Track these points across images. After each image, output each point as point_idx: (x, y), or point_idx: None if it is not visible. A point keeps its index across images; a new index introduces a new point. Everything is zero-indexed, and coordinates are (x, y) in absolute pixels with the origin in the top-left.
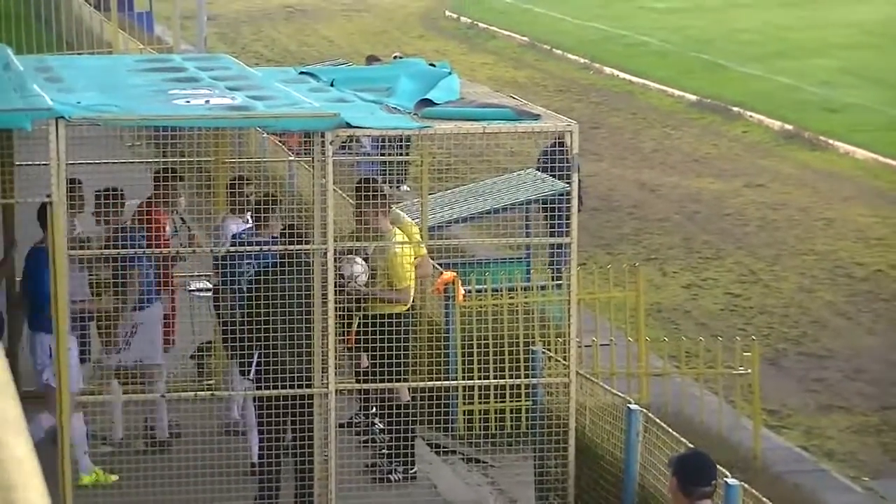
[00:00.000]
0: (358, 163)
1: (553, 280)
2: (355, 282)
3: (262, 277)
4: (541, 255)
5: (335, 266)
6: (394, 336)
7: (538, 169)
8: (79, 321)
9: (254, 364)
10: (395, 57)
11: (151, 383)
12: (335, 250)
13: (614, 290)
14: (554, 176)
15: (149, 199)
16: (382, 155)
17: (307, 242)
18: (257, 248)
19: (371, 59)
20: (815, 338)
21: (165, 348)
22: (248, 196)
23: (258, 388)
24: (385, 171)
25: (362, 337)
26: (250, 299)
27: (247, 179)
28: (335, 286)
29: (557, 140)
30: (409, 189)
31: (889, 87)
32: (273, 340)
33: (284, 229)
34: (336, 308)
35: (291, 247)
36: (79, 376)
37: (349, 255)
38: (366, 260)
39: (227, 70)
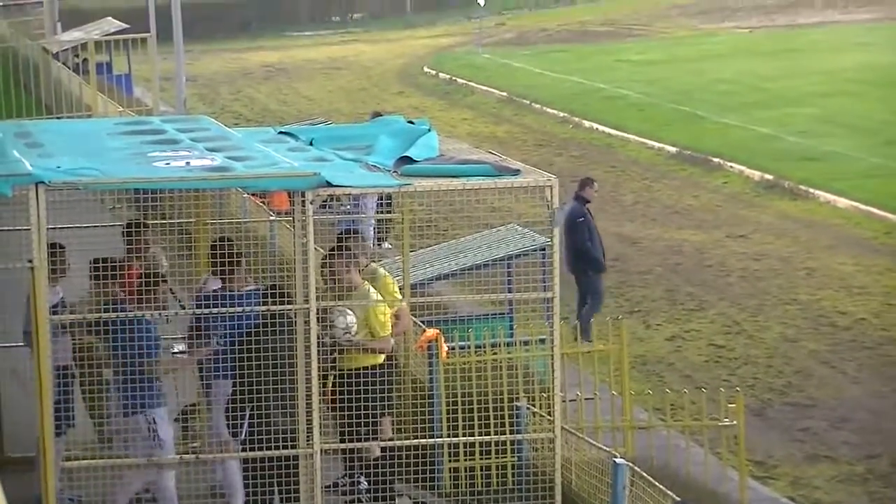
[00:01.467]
0: (339, 221)
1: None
2: (350, 332)
3: (246, 338)
4: (523, 311)
5: (327, 320)
6: (373, 389)
7: None
8: (61, 385)
9: (245, 425)
10: (373, 114)
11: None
12: (317, 309)
13: (598, 343)
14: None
15: (127, 258)
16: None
17: (289, 302)
18: (240, 309)
19: (375, 115)
20: (800, 387)
21: None
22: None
23: (243, 449)
24: (380, 228)
25: (338, 396)
26: (235, 360)
27: (229, 240)
28: (324, 341)
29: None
30: (391, 247)
31: (867, 133)
32: (259, 401)
33: (267, 289)
34: (319, 367)
35: (274, 307)
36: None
37: (339, 308)
38: None
39: (207, 131)
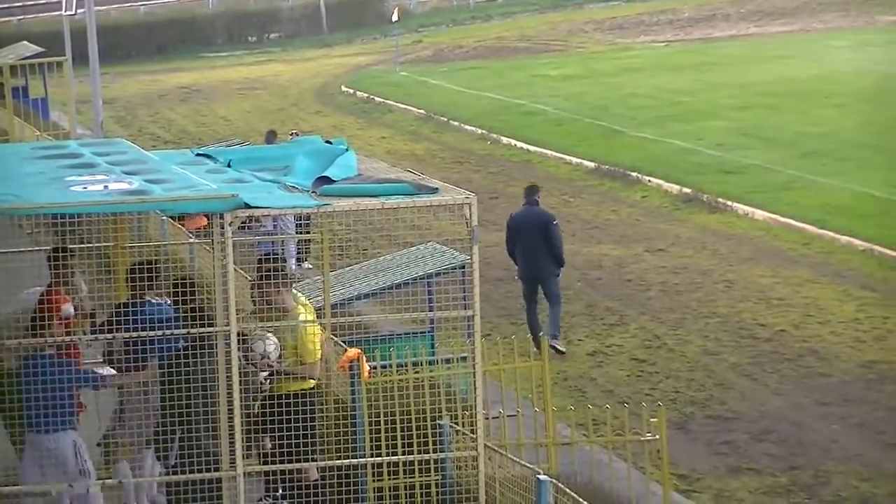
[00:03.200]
0: (259, 242)
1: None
2: (268, 359)
3: (172, 362)
4: (444, 328)
5: (246, 345)
6: (301, 414)
7: None
8: None
9: (175, 449)
10: (291, 134)
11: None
12: (238, 332)
13: (519, 360)
14: None
15: (49, 284)
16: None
17: (210, 324)
18: (160, 332)
19: (271, 136)
20: (722, 400)
21: None
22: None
23: (172, 473)
24: (300, 248)
25: (267, 418)
26: (162, 384)
27: (149, 263)
28: (245, 365)
29: None
30: (311, 267)
31: (783, 146)
32: (182, 424)
33: (187, 312)
34: (241, 389)
35: (195, 330)
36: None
37: (259, 333)
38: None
39: (124, 154)
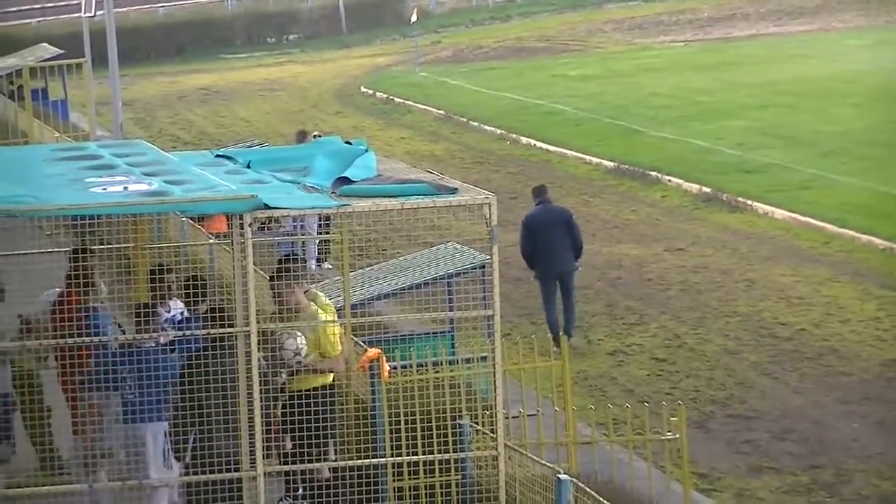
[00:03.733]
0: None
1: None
2: (300, 354)
3: (190, 362)
4: (464, 328)
5: (274, 344)
6: (321, 410)
7: None
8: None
9: (189, 448)
10: (314, 136)
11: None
12: (261, 332)
13: (539, 359)
14: None
15: (68, 286)
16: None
17: (230, 325)
18: (180, 333)
19: (301, 135)
20: (742, 399)
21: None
22: (169, 283)
23: (185, 474)
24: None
25: (287, 417)
26: (182, 384)
27: (167, 267)
28: (271, 364)
29: None
30: (331, 267)
31: (802, 145)
32: (202, 425)
33: (206, 313)
34: (268, 389)
35: (214, 330)
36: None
37: (287, 330)
38: None
39: (143, 156)
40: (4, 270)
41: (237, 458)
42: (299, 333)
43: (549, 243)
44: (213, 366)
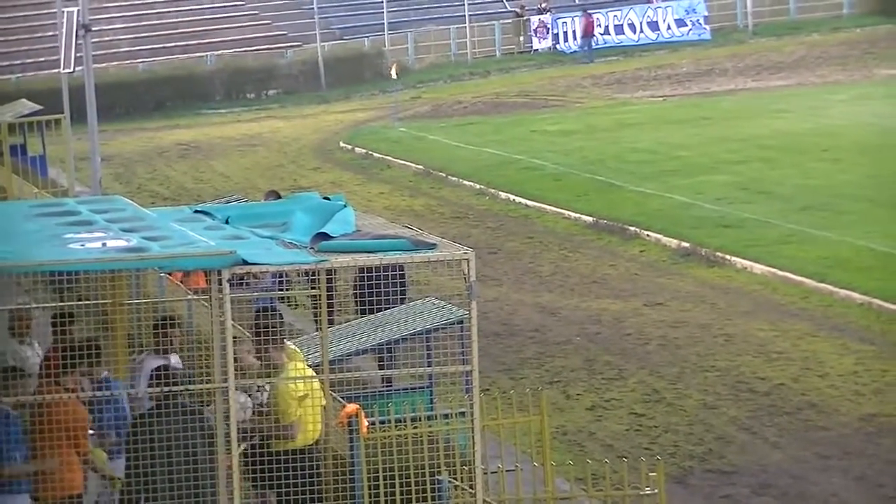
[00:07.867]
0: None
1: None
2: (244, 412)
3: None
4: (443, 384)
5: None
6: (295, 473)
7: None
8: None
9: None
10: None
11: None
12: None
13: (518, 415)
14: None
15: (54, 346)
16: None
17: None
18: (157, 389)
19: (270, 195)
20: (721, 454)
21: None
22: (171, 337)
23: None
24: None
25: (266, 475)
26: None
27: (171, 320)
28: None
29: None
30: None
31: (781, 199)
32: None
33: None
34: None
35: (193, 386)
36: None
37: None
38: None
39: (122, 211)
40: None
41: None
42: (259, 390)
43: None
44: (160, 429)
